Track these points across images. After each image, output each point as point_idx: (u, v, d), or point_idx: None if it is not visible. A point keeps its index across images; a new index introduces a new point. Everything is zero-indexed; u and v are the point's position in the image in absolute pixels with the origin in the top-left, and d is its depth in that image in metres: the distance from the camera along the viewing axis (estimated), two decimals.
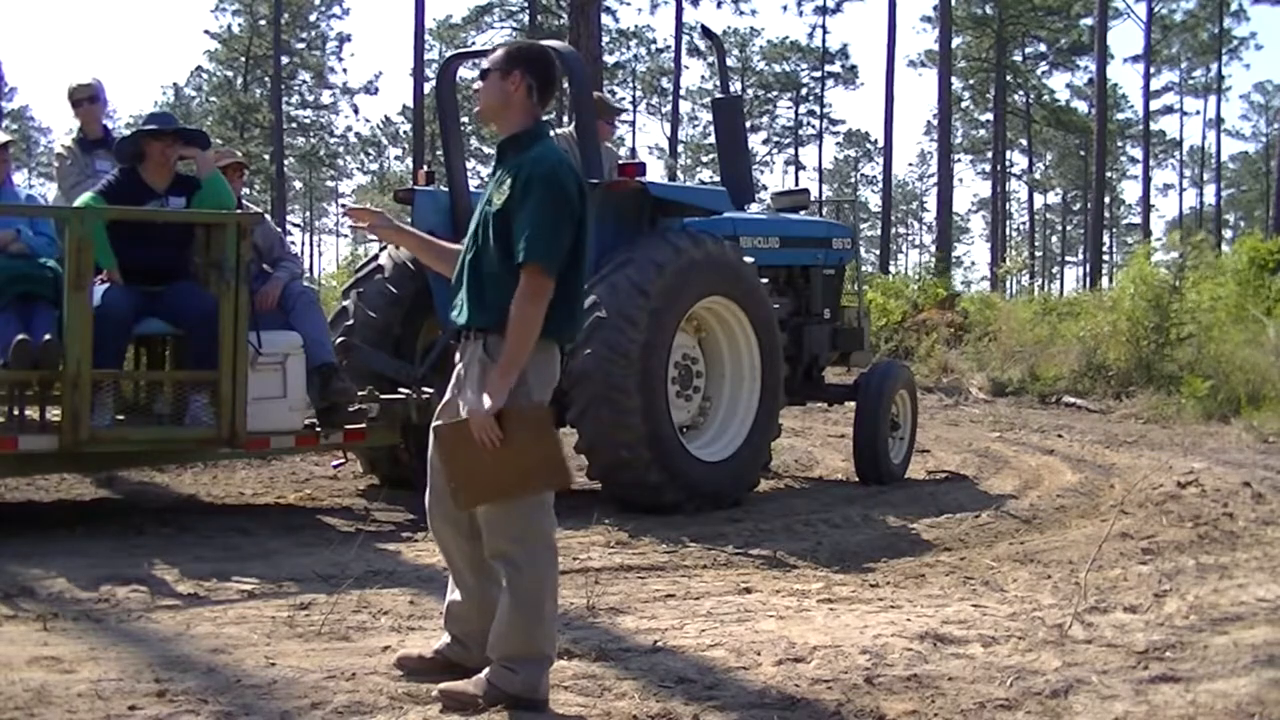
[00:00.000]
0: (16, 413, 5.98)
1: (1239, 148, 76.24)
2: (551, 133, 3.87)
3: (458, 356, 3.81)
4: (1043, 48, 56.66)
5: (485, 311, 3.63)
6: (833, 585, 5.45)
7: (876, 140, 63.64)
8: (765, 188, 52.97)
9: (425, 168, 8.12)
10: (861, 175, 76.10)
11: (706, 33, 9.88)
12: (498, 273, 3.61)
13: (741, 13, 77.81)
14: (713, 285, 7.39)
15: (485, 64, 3.71)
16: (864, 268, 14.10)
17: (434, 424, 3.79)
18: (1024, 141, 64.05)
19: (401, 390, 7.05)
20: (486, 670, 3.61)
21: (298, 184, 66.51)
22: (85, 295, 5.74)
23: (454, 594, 3.88)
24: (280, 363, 6.39)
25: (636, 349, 6.92)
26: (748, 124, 12.79)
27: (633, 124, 64.33)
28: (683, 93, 57.52)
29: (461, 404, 3.69)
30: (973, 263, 76.54)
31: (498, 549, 3.62)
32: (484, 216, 3.67)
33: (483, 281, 3.65)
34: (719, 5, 62.07)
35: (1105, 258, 57.39)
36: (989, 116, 57.37)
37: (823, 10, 57.74)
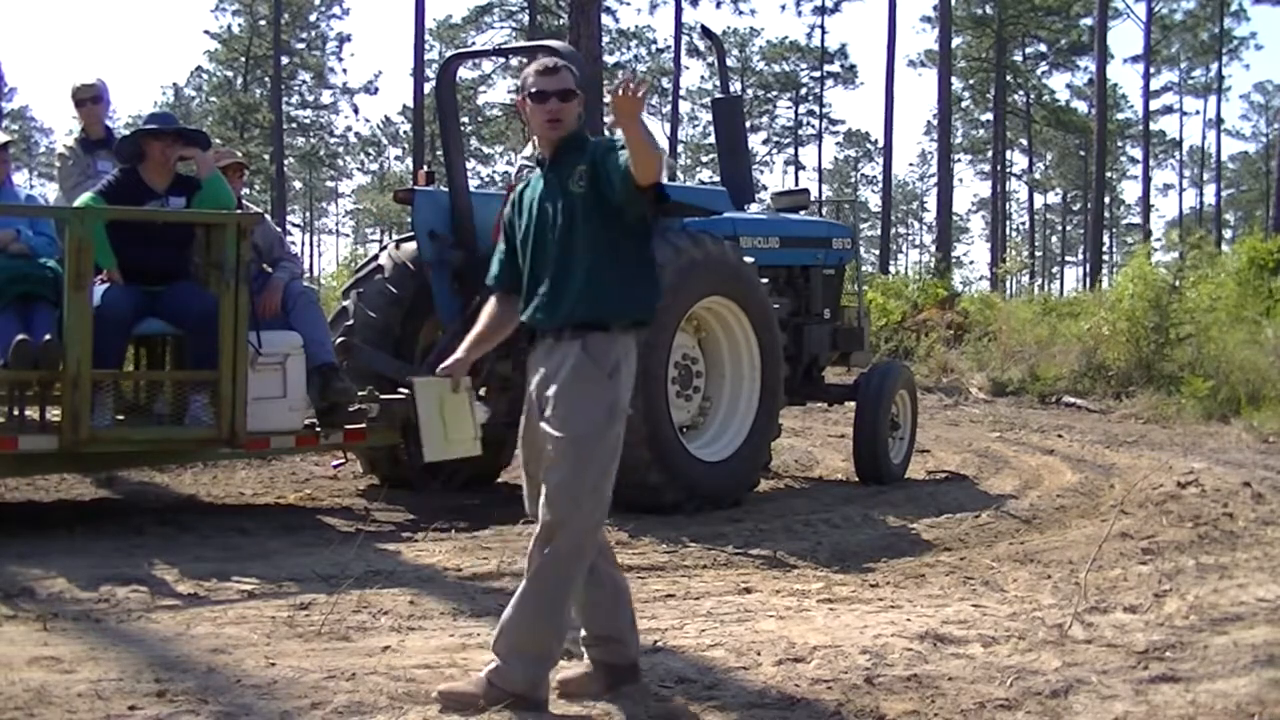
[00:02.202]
0: (16, 413, 5.98)
1: (1239, 148, 76.30)
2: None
3: (533, 360, 3.68)
4: (1043, 48, 56.63)
5: (585, 305, 3.54)
6: (833, 585, 5.45)
7: (876, 140, 63.72)
8: (765, 188, 52.91)
9: (425, 168, 8.12)
10: (861, 175, 76.13)
11: (706, 33, 9.88)
12: (596, 259, 3.54)
13: (741, 13, 77.64)
14: (713, 285, 7.39)
15: (569, 85, 3.65)
16: (864, 268, 14.08)
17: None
18: (1024, 141, 64.03)
19: (401, 390, 7.05)
20: (486, 669, 3.61)
21: (298, 184, 66.48)
22: (85, 295, 5.74)
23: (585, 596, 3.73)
24: (280, 363, 6.40)
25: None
26: (748, 124, 12.77)
27: None
28: (683, 93, 57.53)
29: (545, 410, 3.55)
30: (973, 263, 76.63)
31: (562, 513, 3.48)
32: (564, 206, 3.59)
33: (579, 273, 3.55)
34: (718, 5, 61.98)
35: (1105, 258, 57.38)
36: (989, 116, 57.36)
37: (821, 10, 57.70)
